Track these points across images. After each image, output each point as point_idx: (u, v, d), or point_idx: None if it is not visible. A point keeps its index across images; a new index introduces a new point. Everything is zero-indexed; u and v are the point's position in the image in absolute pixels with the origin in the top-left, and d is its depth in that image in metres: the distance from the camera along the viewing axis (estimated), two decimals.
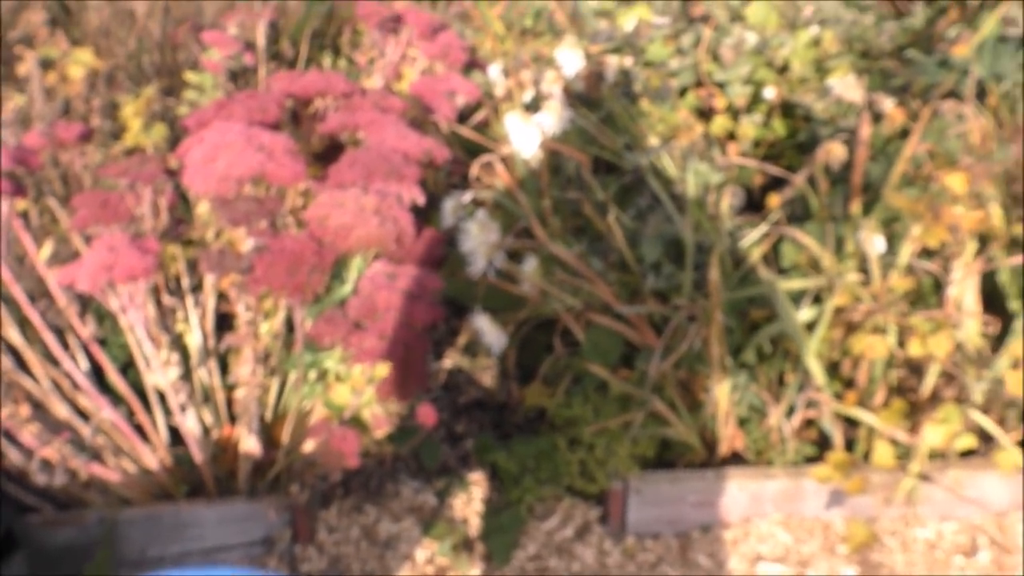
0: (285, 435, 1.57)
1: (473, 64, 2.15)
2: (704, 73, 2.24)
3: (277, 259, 1.33)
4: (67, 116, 2.13)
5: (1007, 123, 1.80)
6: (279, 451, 1.58)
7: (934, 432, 1.58)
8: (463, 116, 1.98)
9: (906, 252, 1.63)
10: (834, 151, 1.81)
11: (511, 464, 1.70)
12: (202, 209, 1.73)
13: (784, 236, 1.70)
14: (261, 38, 2.21)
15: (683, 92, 2.26)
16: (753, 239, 1.73)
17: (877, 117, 1.99)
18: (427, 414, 1.53)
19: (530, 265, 1.76)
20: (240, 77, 2.29)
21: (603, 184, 1.88)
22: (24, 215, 1.79)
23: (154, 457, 1.58)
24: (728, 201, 1.79)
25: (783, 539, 1.66)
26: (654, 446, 1.68)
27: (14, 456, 1.51)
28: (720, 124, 2.19)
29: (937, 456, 1.66)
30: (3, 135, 1.84)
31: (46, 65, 2.14)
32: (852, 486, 1.60)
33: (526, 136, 1.81)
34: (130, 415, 1.57)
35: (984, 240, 1.63)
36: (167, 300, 1.63)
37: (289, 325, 1.59)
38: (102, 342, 1.62)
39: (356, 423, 1.54)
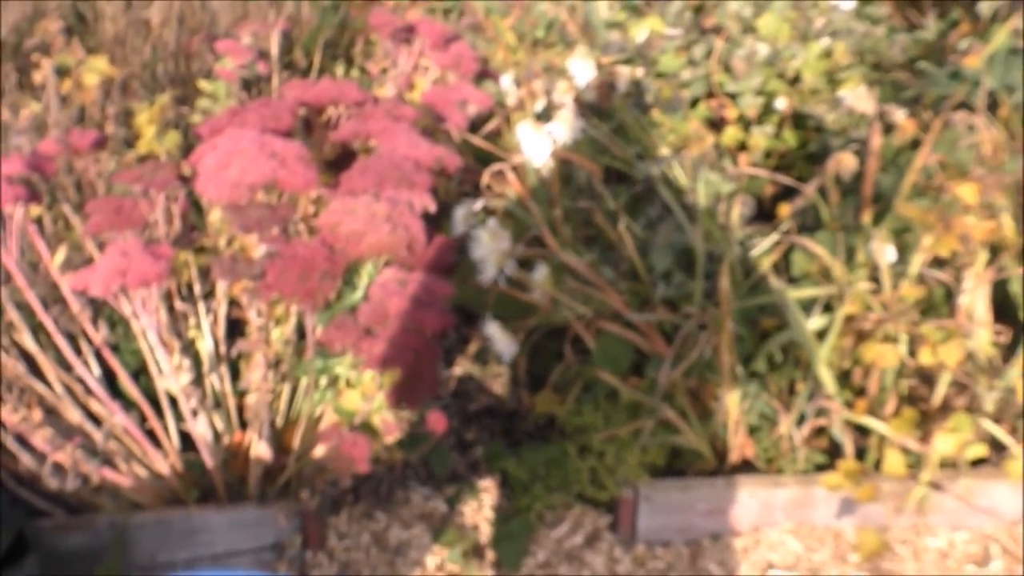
0: (296, 441, 1.58)
1: (485, 74, 2.16)
2: (716, 84, 2.25)
3: (289, 265, 1.34)
4: (82, 123, 2.15)
5: (1018, 134, 1.80)
6: (290, 457, 1.59)
7: (945, 441, 1.58)
8: (475, 125, 1.99)
9: (917, 262, 1.63)
10: (845, 161, 1.81)
11: (521, 471, 1.71)
12: (215, 216, 1.74)
13: (795, 245, 1.70)
14: (274, 47, 2.23)
15: (695, 103, 2.27)
16: (764, 248, 1.73)
17: (888, 128, 1.99)
18: (437, 421, 1.53)
19: (541, 273, 1.77)
20: (254, 86, 2.30)
21: (614, 193, 1.88)
22: (39, 221, 1.80)
23: (165, 462, 1.58)
24: (739, 210, 1.80)
25: (794, 547, 1.66)
26: (664, 454, 1.68)
27: (26, 460, 1.51)
28: (731, 135, 2.19)
29: (948, 465, 1.66)
30: (19, 142, 1.86)
31: (62, 73, 2.16)
32: (863, 494, 1.59)
33: (538, 145, 1.82)
34: (142, 420, 1.58)
35: (995, 250, 1.63)
36: (179, 306, 1.64)
37: (300, 331, 1.60)
38: (114, 348, 1.63)
39: (366, 429, 1.55)
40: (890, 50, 2.38)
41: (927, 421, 1.64)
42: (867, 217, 1.71)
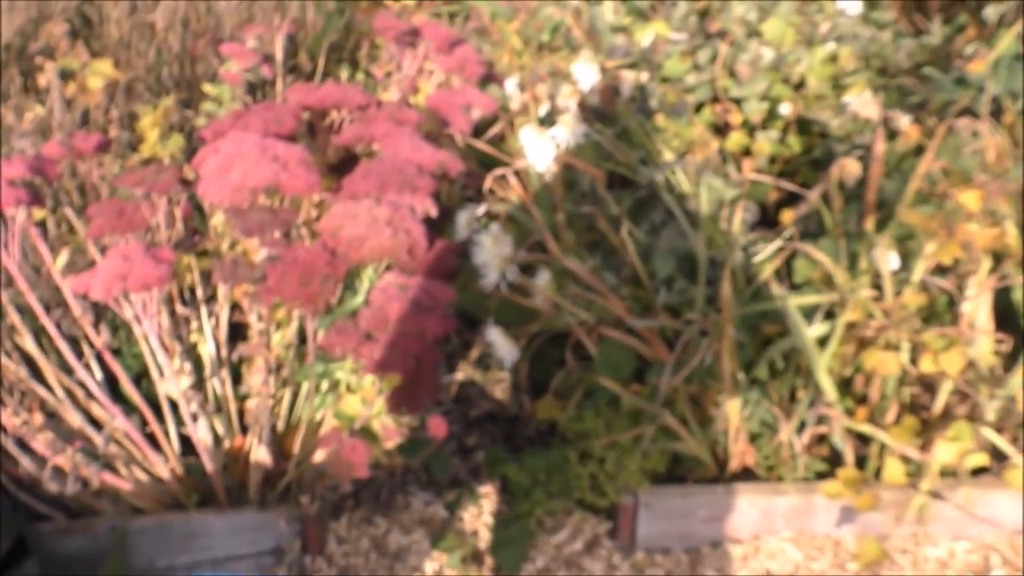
0: (296, 446, 1.58)
1: (490, 78, 2.15)
2: (720, 89, 2.24)
3: (290, 269, 1.34)
4: (86, 126, 2.15)
5: (1022, 141, 1.79)
6: (290, 461, 1.59)
7: (946, 450, 1.57)
8: (479, 129, 1.99)
9: (920, 269, 1.62)
10: (849, 168, 1.80)
11: (522, 477, 1.70)
12: (217, 219, 1.74)
13: (797, 252, 1.69)
14: (279, 51, 2.23)
15: (699, 108, 2.27)
16: (766, 255, 1.73)
17: (892, 134, 1.99)
18: (438, 426, 1.53)
19: (543, 279, 1.77)
20: (258, 89, 2.31)
21: (617, 199, 1.88)
22: (41, 224, 1.80)
23: (166, 466, 1.58)
24: (741, 216, 1.79)
25: (793, 556, 1.65)
26: (665, 461, 1.68)
27: (27, 464, 1.52)
28: (736, 140, 2.19)
29: (949, 474, 1.65)
30: (23, 145, 1.86)
31: (66, 76, 2.16)
32: (863, 503, 1.59)
33: (541, 150, 1.82)
34: (143, 424, 1.58)
35: (998, 258, 1.62)
36: (181, 310, 1.64)
37: (301, 336, 1.60)
38: (116, 351, 1.63)
39: (367, 434, 1.54)
40: (895, 55, 2.37)
41: (928, 430, 1.63)
42: (870, 224, 1.70)
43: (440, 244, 1.54)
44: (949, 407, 1.65)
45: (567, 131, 1.86)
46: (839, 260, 1.65)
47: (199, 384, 1.61)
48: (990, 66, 2.02)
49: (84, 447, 1.54)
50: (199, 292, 1.67)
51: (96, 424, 1.57)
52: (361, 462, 1.44)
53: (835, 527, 1.67)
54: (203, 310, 1.66)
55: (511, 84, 2.21)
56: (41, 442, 1.51)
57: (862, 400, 1.67)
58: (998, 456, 1.64)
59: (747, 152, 2.20)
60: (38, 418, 1.52)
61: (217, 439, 1.61)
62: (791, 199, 1.94)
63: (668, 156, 2.03)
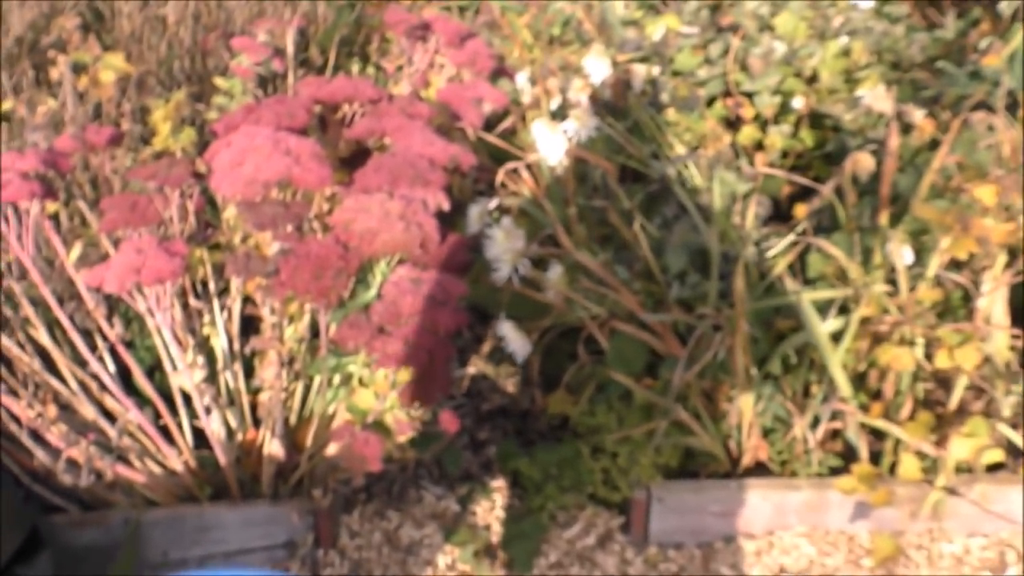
0: (308, 439, 1.58)
1: (501, 72, 2.15)
2: (732, 83, 2.24)
3: (302, 263, 1.34)
4: (98, 120, 2.15)
5: None
6: (302, 455, 1.59)
7: (961, 445, 1.57)
8: (490, 123, 1.98)
9: (934, 264, 1.61)
10: (862, 162, 1.79)
11: (534, 471, 1.70)
12: (229, 213, 1.74)
13: (811, 246, 1.69)
14: (290, 45, 2.23)
15: (711, 102, 2.26)
16: (779, 249, 1.72)
17: (906, 128, 1.98)
18: (450, 420, 1.53)
19: (555, 273, 1.76)
20: (269, 83, 2.31)
21: (629, 193, 1.88)
22: (55, 217, 1.80)
23: (179, 459, 1.59)
24: (754, 211, 1.79)
25: (807, 551, 1.65)
26: (677, 455, 1.67)
27: (41, 456, 1.52)
28: (748, 134, 2.18)
29: (964, 470, 1.64)
30: (35, 138, 1.86)
31: (78, 70, 2.16)
32: (877, 499, 1.58)
33: (552, 144, 1.81)
34: (156, 417, 1.58)
35: (1014, 252, 1.61)
36: (194, 303, 1.64)
37: (314, 329, 1.60)
38: (129, 344, 1.63)
39: (379, 428, 1.54)
40: (909, 49, 2.36)
41: (943, 425, 1.62)
42: (884, 218, 1.69)
43: (452, 238, 1.54)
44: (964, 403, 1.64)
45: (579, 125, 1.86)
46: (853, 255, 1.64)
47: (212, 377, 1.61)
48: (1005, 60, 2.01)
49: (98, 439, 1.54)
50: (212, 285, 1.66)
51: (110, 417, 1.57)
52: (374, 456, 1.44)
53: (849, 523, 1.67)
54: (216, 303, 1.66)
55: (522, 78, 2.21)
56: (55, 434, 1.51)
57: (876, 395, 1.66)
58: (1014, 452, 1.63)
59: (759, 146, 2.20)
60: (52, 410, 1.52)
61: (230, 432, 1.61)
62: (804, 193, 1.93)
63: (680, 150, 2.03)
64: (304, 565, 1.61)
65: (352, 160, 1.61)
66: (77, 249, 1.55)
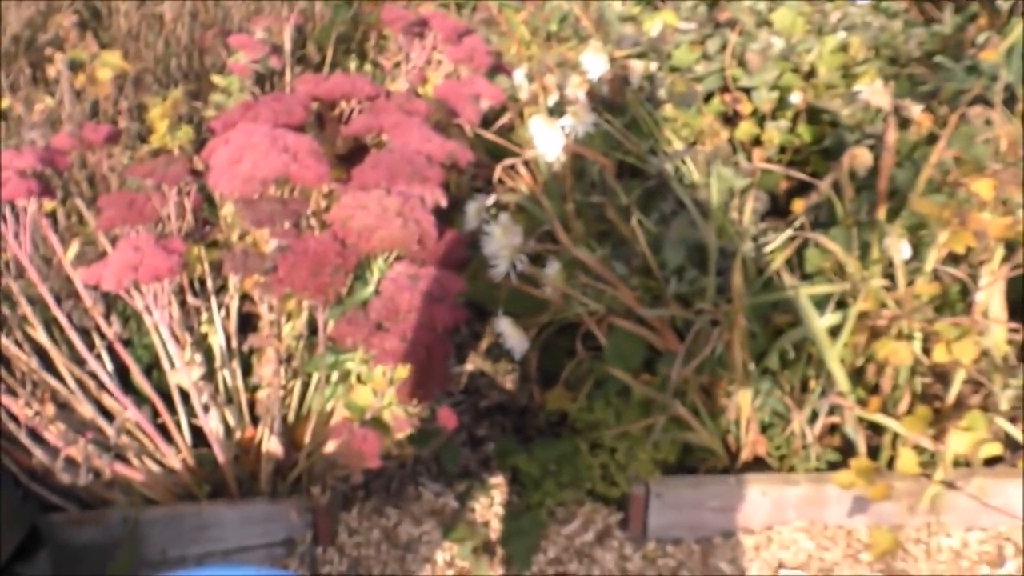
0: (307, 436, 1.58)
1: (498, 68, 2.15)
2: (730, 78, 2.24)
3: (300, 260, 1.34)
4: (95, 118, 2.15)
5: None
6: (301, 452, 1.59)
7: (959, 439, 1.57)
8: (487, 120, 1.98)
9: (932, 258, 1.61)
10: (860, 156, 1.80)
11: (532, 468, 1.70)
12: (227, 210, 1.74)
13: (808, 241, 1.69)
14: (287, 42, 2.23)
15: (708, 97, 2.26)
16: (777, 244, 1.72)
17: (904, 123, 1.98)
18: (448, 417, 1.53)
19: (553, 269, 1.76)
20: (267, 80, 2.30)
21: (627, 188, 1.87)
22: (52, 215, 1.80)
23: (177, 457, 1.59)
24: (752, 206, 1.79)
25: (805, 546, 1.65)
26: (676, 451, 1.68)
27: (39, 455, 1.52)
28: (745, 129, 2.18)
29: (962, 464, 1.64)
30: (33, 136, 1.86)
31: (75, 67, 2.16)
32: (875, 493, 1.59)
33: (550, 140, 1.81)
34: (154, 415, 1.58)
35: (1011, 247, 1.61)
36: (191, 301, 1.64)
37: (312, 326, 1.60)
38: (127, 342, 1.63)
39: (377, 425, 1.54)
40: (906, 44, 2.36)
41: (941, 419, 1.62)
42: (882, 213, 1.69)
43: (450, 234, 1.54)
44: (962, 396, 1.64)
45: (576, 121, 1.86)
46: (851, 249, 1.64)
47: (210, 375, 1.61)
48: (1003, 54, 2.01)
49: (96, 438, 1.54)
50: (209, 283, 1.66)
51: (108, 415, 1.57)
52: (372, 452, 1.44)
53: (847, 517, 1.67)
54: (213, 301, 1.66)
55: (519, 74, 2.20)
56: (53, 433, 1.51)
57: (874, 390, 1.66)
58: (1012, 445, 1.63)
59: (757, 142, 2.20)
60: (50, 409, 1.52)
61: (228, 430, 1.61)
62: (802, 188, 1.93)
63: (678, 146, 2.02)
64: (303, 563, 1.61)
65: (350, 157, 1.61)
66: (75, 247, 1.55)
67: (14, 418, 1.51)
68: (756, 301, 1.66)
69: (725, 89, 2.26)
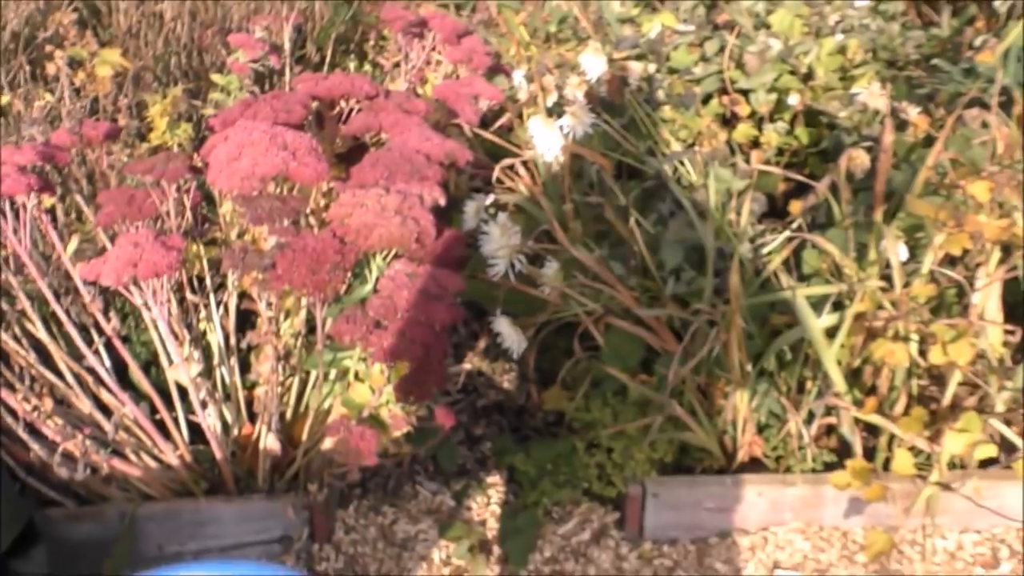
0: (304, 434, 1.58)
1: (497, 69, 2.16)
2: (728, 80, 2.24)
3: (299, 257, 1.34)
4: (95, 115, 2.16)
5: None
6: (298, 450, 1.59)
7: (955, 441, 1.57)
8: (486, 120, 1.99)
9: (929, 260, 1.62)
10: (857, 158, 1.80)
11: (529, 467, 1.71)
12: (226, 208, 1.74)
13: (806, 242, 1.69)
14: (287, 41, 2.23)
15: (707, 99, 2.26)
16: (774, 245, 1.72)
17: (901, 125, 1.98)
18: (445, 415, 1.53)
19: (551, 269, 1.77)
20: (266, 79, 2.31)
21: (625, 189, 1.88)
22: (51, 212, 1.80)
23: (175, 453, 1.59)
24: (749, 207, 1.79)
25: (801, 547, 1.65)
26: (672, 451, 1.68)
27: (37, 450, 1.52)
28: (743, 131, 2.18)
29: (958, 465, 1.65)
30: (32, 132, 1.86)
31: (75, 65, 2.16)
32: (871, 494, 1.59)
33: (549, 140, 1.82)
34: (152, 411, 1.58)
35: (1007, 249, 1.62)
36: (190, 297, 1.65)
37: (310, 324, 1.60)
38: (125, 339, 1.63)
39: (375, 422, 1.54)
40: (904, 46, 2.37)
41: (937, 421, 1.63)
42: (879, 214, 1.70)
43: (448, 233, 1.54)
44: (958, 398, 1.64)
45: (575, 122, 1.86)
46: (848, 251, 1.65)
47: (208, 372, 1.61)
48: (1000, 57, 2.01)
49: (94, 433, 1.54)
50: (208, 280, 1.66)
51: (106, 411, 1.57)
52: (369, 450, 1.44)
53: (843, 518, 1.67)
54: (212, 298, 1.66)
55: (518, 75, 2.21)
56: (51, 428, 1.52)
57: (871, 391, 1.66)
58: (1007, 447, 1.64)
59: (755, 143, 2.20)
60: (48, 404, 1.52)
61: (226, 427, 1.62)
62: (799, 190, 1.93)
63: (676, 147, 2.03)
64: (299, 560, 1.61)
65: (349, 155, 1.61)
66: (74, 243, 1.55)
67: (12, 413, 1.51)
68: (753, 302, 1.67)
69: (723, 91, 2.26)
